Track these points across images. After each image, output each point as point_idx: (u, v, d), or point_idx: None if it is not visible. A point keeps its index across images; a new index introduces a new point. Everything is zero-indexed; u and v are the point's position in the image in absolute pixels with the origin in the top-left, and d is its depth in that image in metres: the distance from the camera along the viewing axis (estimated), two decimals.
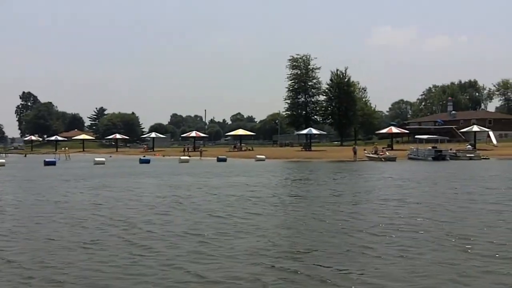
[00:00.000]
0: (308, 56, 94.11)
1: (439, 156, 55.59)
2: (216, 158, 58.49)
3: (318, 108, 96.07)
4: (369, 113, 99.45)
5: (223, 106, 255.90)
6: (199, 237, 11.40)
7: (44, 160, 50.20)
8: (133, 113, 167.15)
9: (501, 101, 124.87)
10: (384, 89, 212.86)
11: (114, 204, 17.82)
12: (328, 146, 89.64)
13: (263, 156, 59.76)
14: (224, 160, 56.60)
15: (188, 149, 76.64)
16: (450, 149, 59.43)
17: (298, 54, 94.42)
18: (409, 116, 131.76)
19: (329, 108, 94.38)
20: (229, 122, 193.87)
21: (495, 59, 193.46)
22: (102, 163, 50.48)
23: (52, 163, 49.08)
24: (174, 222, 13.65)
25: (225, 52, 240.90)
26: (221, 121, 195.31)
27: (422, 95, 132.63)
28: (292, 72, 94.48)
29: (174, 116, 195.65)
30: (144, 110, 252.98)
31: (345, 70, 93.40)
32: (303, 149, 78.17)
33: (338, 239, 11.18)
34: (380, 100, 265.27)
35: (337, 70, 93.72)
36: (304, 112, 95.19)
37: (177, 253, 9.89)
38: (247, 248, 10.22)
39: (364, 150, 60.39)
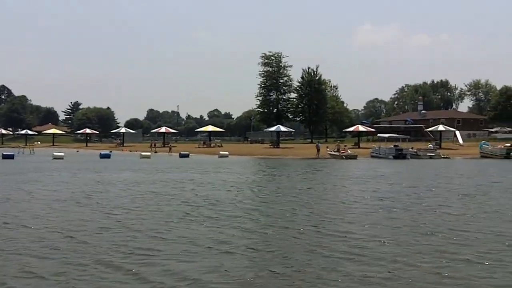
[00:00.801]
0: (280, 54, 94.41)
1: (399, 155, 56.33)
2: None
3: (289, 106, 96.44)
4: (340, 111, 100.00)
5: (200, 102, 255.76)
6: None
7: (2, 154, 49.75)
8: (108, 108, 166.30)
9: (472, 102, 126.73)
10: (362, 87, 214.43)
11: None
12: (299, 144, 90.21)
13: (227, 153, 59.96)
14: (187, 156, 56.69)
15: (155, 145, 76.47)
16: (412, 148, 60.22)
17: (270, 52, 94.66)
18: (383, 114, 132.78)
19: (300, 106, 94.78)
20: (206, 118, 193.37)
21: (471, 59, 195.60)
22: (60, 157, 50.28)
23: (10, 157, 48.71)
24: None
25: (203, 48, 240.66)
26: (198, 117, 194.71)
27: (395, 94, 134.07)
28: (264, 70, 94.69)
29: (150, 111, 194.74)
30: (121, 105, 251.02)
31: (316, 68, 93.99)
32: (271, 146, 78.57)
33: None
34: (360, 98, 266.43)
35: (308, 68, 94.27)
36: (275, 109, 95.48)
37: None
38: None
39: (327, 147, 60.89)
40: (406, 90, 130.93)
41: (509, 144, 63.05)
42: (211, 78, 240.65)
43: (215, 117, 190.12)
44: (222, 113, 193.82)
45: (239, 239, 11.17)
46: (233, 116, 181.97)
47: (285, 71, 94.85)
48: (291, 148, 75.14)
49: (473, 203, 17.67)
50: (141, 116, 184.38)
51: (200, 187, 22.65)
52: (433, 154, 58.67)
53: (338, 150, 57.98)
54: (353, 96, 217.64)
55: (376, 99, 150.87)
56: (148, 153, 56.90)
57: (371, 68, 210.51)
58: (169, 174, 30.74)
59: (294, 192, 21.06)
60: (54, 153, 52.58)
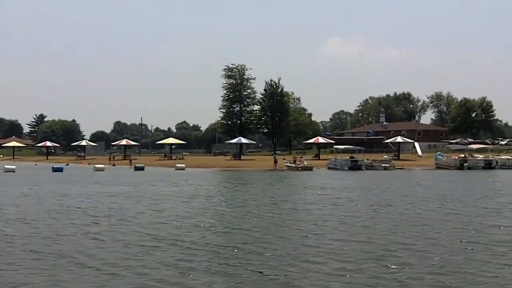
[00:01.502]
0: (243, 66, 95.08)
1: (354, 166, 57.09)
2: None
3: (252, 118, 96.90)
4: (303, 123, 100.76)
5: (168, 115, 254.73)
6: None
7: None
8: (73, 120, 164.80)
9: (434, 113, 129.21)
10: (330, 100, 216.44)
11: None
12: (263, 155, 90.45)
13: (183, 165, 59.85)
14: (142, 168, 56.37)
15: (113, 158, 75.83)
16: (367, 159, 61.02)
17: (233, 64, 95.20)
18: (349, 126, 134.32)
19: (263, 118, 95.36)
20: (175, 130, 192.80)
21: (437, 72, 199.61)
22: (12, 170, 49.69)
23: None
24: None
25: (171, 60, 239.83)
26: (166, 129, 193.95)
27: (359, 106, 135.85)
28: (227, 82, 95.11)
29: (117, 124, 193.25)
30: (87, 117, 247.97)
31: (278, 81, 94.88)
32: (232, 158, 78.65)
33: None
34: (328, 110, 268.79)
35: (270, 80, 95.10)
36: (239, 121, 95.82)
37: None
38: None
39: (284, 159, 61.29)
40: (370, 102, 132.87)
41: (463, 155, 64.49)
42: (179, 90, 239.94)
43: (183, 129, 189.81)
44: (191, 125, 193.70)
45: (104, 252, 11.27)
46: (201, 128, 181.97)
47: (249, 84, 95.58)
48: (252, 160, 75.40)
49: (370, 214, 18.00)
50: (108, 129, 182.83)
51: (123, 200, 22.76)
52: (387, 165, 59.48)
53: (294, 162, 58.45)
54: (321, 108, 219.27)
55: (342, 111, 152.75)
56: (102, 166, 56.42)
57: (339, 81, 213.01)
58: (106, 187, 30.62)
59: (210, 205, 21.24)
60: (6, 166, 51.88)
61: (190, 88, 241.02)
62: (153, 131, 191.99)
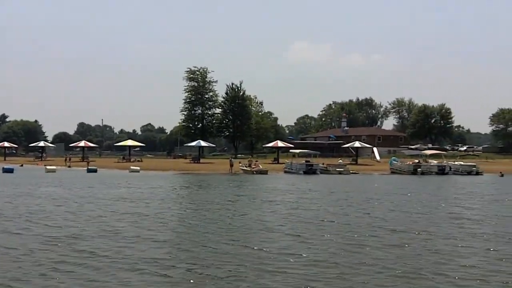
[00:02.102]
0: (205, 69, 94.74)
1: (309, 170, 57.44)
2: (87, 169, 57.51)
3: (214, 121, 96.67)
4: (265, 127, 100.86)
5: (134, 117, 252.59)
6: None
7: None
8: (36, 121, 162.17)
9: (395, 119, 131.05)
10: (296, 104, 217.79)
11: None
12: (224, 159, 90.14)
13: (138, 168, 59.31)
14: (95, 171, 55.56)
15: (70, 159, 74.67)
16: (322, 164, 61.48)
17: (195, 67, 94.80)
18: (313, 130, 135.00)
19: (224, 121, 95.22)
20: (139, 132, 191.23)
21: (400, 79, 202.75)
22: None
23: None
24: None
25: (137, 61, 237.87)
26: (131, 131, 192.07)
27: (322, 111, 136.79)
28: (189, 84, 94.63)
29: (81, 125, 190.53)
30: (50, 118, 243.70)
31: (240, 84, 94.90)
32: (191, 161, 78.25)
33: None
34: (294, 115, 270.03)
35: (232, 83, 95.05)
36: (200, 124, 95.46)
37: None
38: None
39: (239, 163, 61.29)
40: (333, 107, 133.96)
41: (417, 161, 65.53)
42: (145, 92, 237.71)
43: (148, 131, 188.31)
44: (156, 127, 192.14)
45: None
46: (166, 131, 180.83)
47: (211, 86, 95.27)
48: (211, 163, 75.04)
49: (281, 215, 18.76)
50: (72, 130, 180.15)
51: (47, 201, 22.55)
52: (342, 169, 59.98)
53: (249, 166, 58.54)
54: (289, 112, 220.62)
55: (307, 115, 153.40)
56: (54, 168, 55.41)
57: (305, 85, 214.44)
58: (47, 188, 30.17)
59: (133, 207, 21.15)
60: None
61: (156, 90, 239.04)
62: (117, 133, 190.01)
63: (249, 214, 19.02)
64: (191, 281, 9.30)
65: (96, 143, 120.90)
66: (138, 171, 57.54)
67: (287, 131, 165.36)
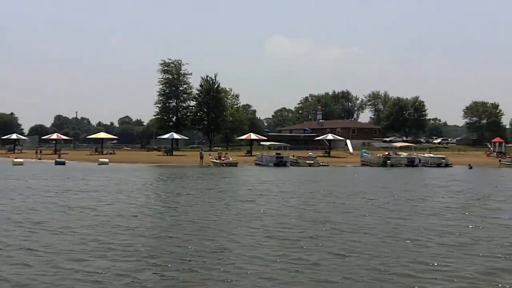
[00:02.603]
0: (179, 61, 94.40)
1: (279, 162, 57.70)
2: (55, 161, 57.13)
3: (189, 114, 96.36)
4: (240, 119, 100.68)
5: (112, 109, 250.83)
6: None
7: None
8: (12, 113, 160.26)
9: (371, 112, 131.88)
10: (275, 97, 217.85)
11: None
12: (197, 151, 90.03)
13: (107, 160, 59.12)
14: (63, 163, 55.21)
15: (41, 152, 73.84)
16: (292, 156, 61.73)
17: (169, 59, 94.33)
18: (290, 123, 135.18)
19: (199, 114, 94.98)
20: (117, 125, 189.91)
21: (378, 72, 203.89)
22: None
23: None
24: None
25: (115, 55, 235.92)
26: (109, 124, 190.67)
27: (299, 104, 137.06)
28: (164, 77, 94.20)
29: (58, 118, 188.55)
30: (27, 111, 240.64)
31: (215, 77, 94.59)
32: (164, 154, 77.97)
33: None
34: (273, 108, 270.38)
35: (206, 76, 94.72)
36: (175, 117, 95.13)
37: None
38: None
39: (209, 155, 61.27)
40: (310, 100, 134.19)
41: (386, 153, 66.16)
42: (123, 84, 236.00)
43: (126, 123, 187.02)
44: (133, 120, 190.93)
45: None
46: (144, 123, 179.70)
47: (185, 79, 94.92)
48: (184, 156, 74.85)
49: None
50: (48, 122, 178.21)
51: None
52: (312, 162, 60.30)
53: (219, 158, 58.58)
54: (268, 105, 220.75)
55: (284, 108, 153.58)
56: (21, 160, 54.89)
57: (284, 78, 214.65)
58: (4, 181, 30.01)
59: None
60: None
61: (134, 82, 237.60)
62: (95, 125, 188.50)
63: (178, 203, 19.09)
64: None
65: (72, 136, 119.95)
66: (107, 164, 57.26)
67: (266, 124, 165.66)
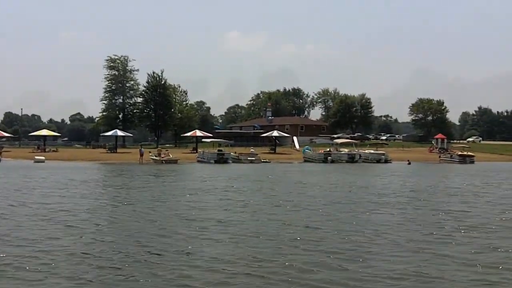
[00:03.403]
0: (126, 58, 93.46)
1: (220, 159, 57.64)
2: None
3: (135, 110, 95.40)
4: (189, 116, 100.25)
5: (63, 106, 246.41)
6: None
7: None
8: None
9: (321, 109, 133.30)
10: (229, 94, 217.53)
11: None
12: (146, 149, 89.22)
13: (43, 158, 57.99)
14: None
15: None
16: (234, 153, 61.91)
17: (115, 55, 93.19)
18: (241, 120, 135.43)
19: (146, 111, 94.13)
20: (68, 122, 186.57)
21: (333, 68, 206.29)
22: None
23: None
24: None
25: (67, 50, 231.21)
26: (60, 121, 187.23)
27: (251, 100, 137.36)
28: (110, 73, 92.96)
29: (7, 115, 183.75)
30: None
31: (161, 73, 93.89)
32: (108, 151, 76.96)
33: None
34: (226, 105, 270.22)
35: (153, 72, 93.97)
36: (121, 113, 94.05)
37: None
38: None
39: (150, 152, 60.84)
40: (261, 96, 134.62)
41: (328, 149, 67.03)
42: (74, 80, 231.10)
43: (78, 120, 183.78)
44: (85, 116, 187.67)
45: None
46: (96, 120, 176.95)
47: (132, 75, 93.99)
48: (128, 153, 74.08)
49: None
50: None
51: None
52: (253, 158, 60.58)
53: (159, 155, 58.28)
54: (223, 102, 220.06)
55: (237, 105, 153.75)
56: None
57: (238, 75, 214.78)
58: None
59: None
60: None
61: (87, 79, 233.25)
62: (46, 122, 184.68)
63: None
64: None
65: (23, 133, 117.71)
66: (43, 162, 56.15)
67: (220, 121, 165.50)
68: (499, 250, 11.52)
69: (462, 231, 13.76)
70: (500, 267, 9.97)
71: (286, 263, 10.05)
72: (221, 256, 10.60)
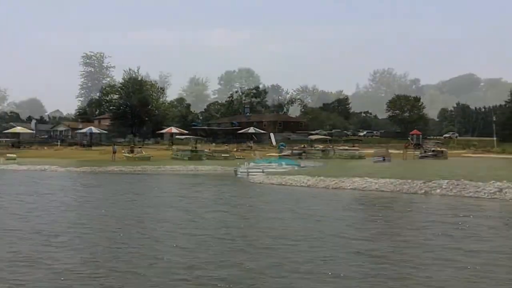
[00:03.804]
0: (102, 54, 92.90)
1: (194, 156, 57.52)
2: None
3: (111, 107, 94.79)
4: (166, 113, 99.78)
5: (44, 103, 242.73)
6: None
7: None
8: None
9: (300, 106, 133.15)
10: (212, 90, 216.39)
11: None
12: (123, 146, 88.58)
13: (14, 155, 57.47)
14: None
15: None
16: (209, 150, 61.86)
17: (91, 52, 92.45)
18: (219, 116, 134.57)
19: (122, 107, 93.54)
20: (47, 119, 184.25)
21: (307, 65, 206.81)
22: None
23: None
24: None
25: (39, 45, 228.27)
26: (38, 118, 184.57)
27: (230, 97, 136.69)
28: (85, 70, 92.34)
29: None
30: None
31: (138, 69, 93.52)
32: (83, 148, 76.42)
33: None
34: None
35: (129, 69, 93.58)
36: (98, 110, 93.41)
37: None
38: None
39: (122, 150, 60.49)
40: (240, 93, 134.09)
41: (302, 146, 67.24)
42: (50, 77, 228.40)
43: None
44: (64, 114, 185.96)
45: None
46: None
47: (108, 72, 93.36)
48: (102, 150, 73.55)
49: None
50: None
51: None
52: (227, 155, 60.57)
53: (131, 152, 57.98)
54: (204, 98, 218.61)
55: (217, 101, 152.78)
56: None
57: (221, 71, 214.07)
58: None
59: None
60: None
61: (62, 75, 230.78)
62: (25, 120, 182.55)
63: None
64: None
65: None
66: (15, 159, 55.60)
67: (201, 118, 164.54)
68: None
69: None
70: None
71: None
72: None
